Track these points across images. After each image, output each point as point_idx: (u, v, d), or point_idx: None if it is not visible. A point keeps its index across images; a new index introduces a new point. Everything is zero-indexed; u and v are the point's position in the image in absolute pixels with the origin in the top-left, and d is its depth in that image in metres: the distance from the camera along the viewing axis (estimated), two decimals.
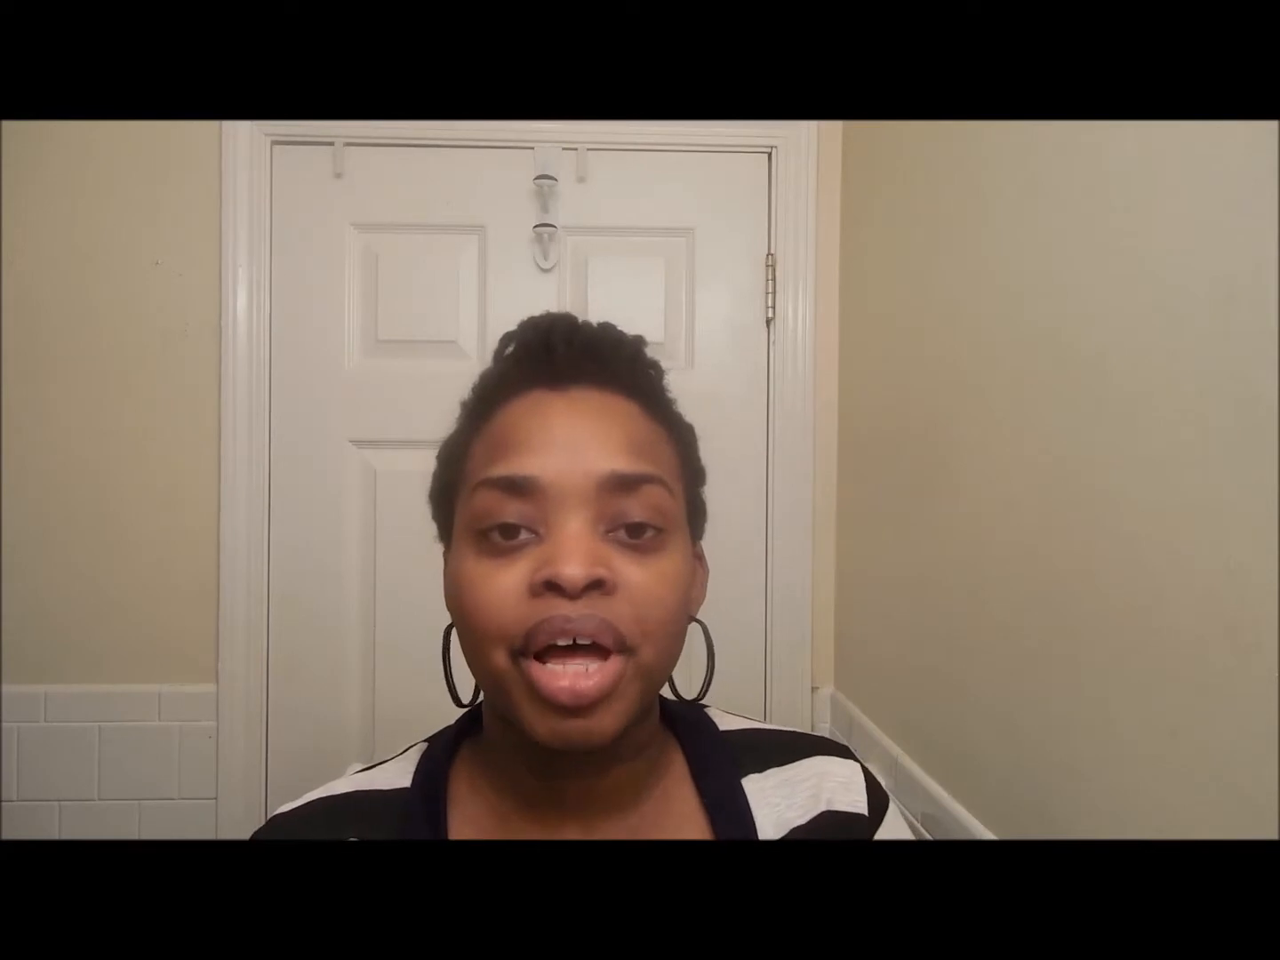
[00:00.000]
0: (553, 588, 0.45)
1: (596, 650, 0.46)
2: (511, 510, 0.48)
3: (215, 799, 1.37)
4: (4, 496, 1.35)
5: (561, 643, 0.45)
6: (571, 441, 0.49)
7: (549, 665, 0.45)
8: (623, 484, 0.48)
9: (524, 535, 0.48)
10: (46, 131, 1.35)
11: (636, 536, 0.48)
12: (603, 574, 0.46)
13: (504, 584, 0.47)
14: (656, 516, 0.49)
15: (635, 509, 0.48)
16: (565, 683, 0.45)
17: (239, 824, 1.36)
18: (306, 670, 1.41)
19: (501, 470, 0.48)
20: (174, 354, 1.38)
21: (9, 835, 1.33)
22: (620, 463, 0.48)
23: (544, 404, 0.51)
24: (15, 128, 1.33)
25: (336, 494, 1.41)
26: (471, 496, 0.50)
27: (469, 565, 0.49)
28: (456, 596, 0.49)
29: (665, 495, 0.50)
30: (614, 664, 0.46)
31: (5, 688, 1.34)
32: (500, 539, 0.48)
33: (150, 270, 1.38)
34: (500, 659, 0.47)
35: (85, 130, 1.36)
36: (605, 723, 0.46)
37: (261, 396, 1.39)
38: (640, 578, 0.47)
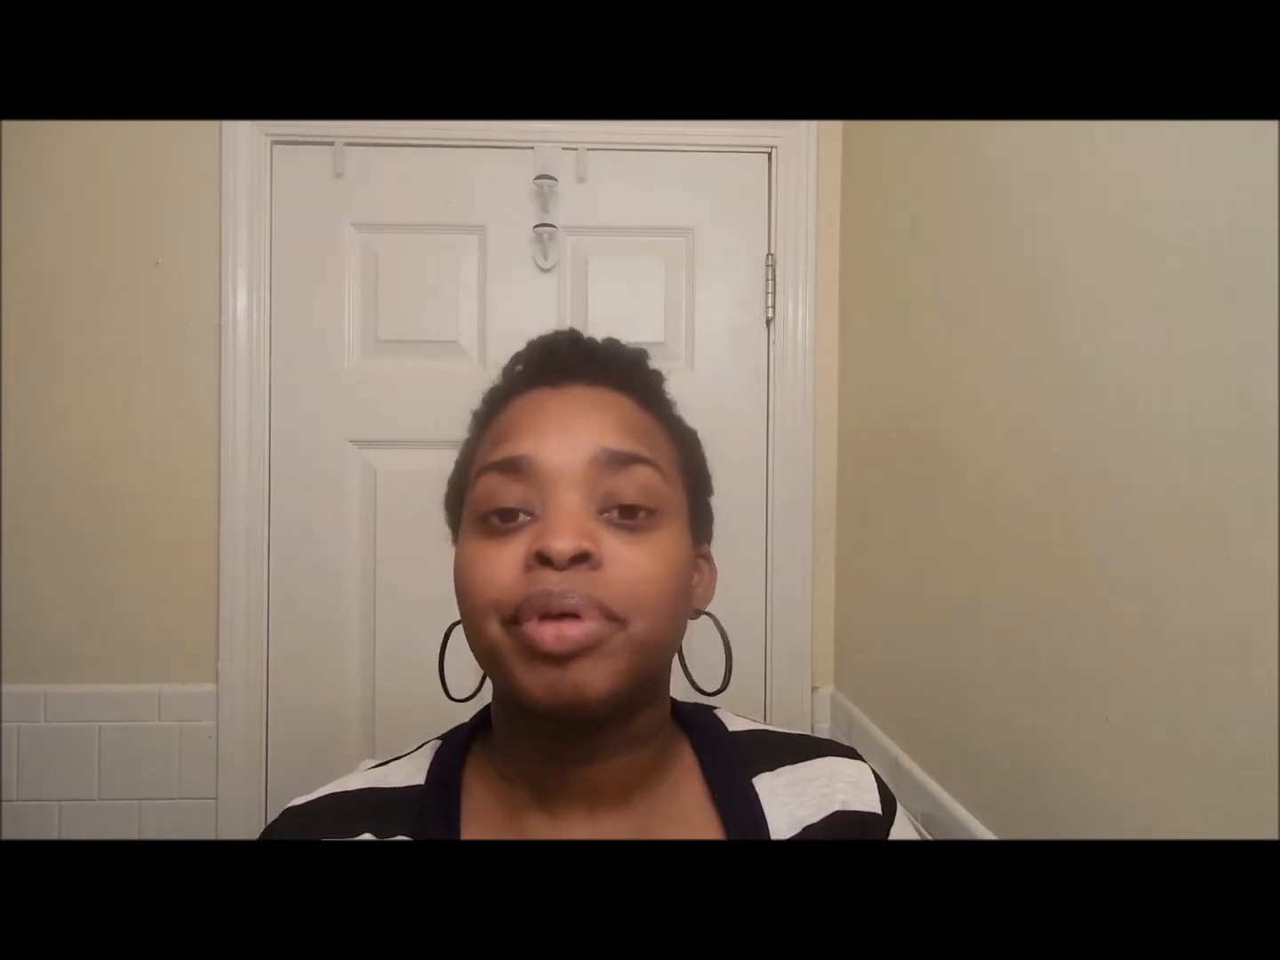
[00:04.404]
0: (542, 560, 0.47)
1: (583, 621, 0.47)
2: (510, 494, 0.50)
3: (215, 799, 1.37)
4: (4, 496, 1.35)
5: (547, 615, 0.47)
6: (564, 425, 0.51)
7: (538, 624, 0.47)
8: (612, 461, 0.50)
9: (522, 518, 0.50)
10: (46, 131, 1.35)
11: (629, 518, 0.50)
12: (588, 547, 0.47)
13: (501, 561, 0.49)
14: (648, 498, 0.50)
15: (626, 489, 0.50)
16: (552, 630, 0.46)
17: (239, 824, 1.36)
18: (306, 670, 1.41)
19: (499, 454, 0.51)
20: (174, 354, 1.38)
21: (9, 835, 1.33)
22: (610, 440, 0.51)
23: (542, 399, 0.54)
24: (15, 128, 1.33)
25: (336, 494, 1.41)
26: (474, 485, 0.52)
27: (471, 547, 0.51)
28: (458, 578, 0.51)
29: (657, 477, 0.51)
30: (603, 624, 0.47)
31: (5, 688, 1.34)
32: (499, 523, 0.50)
33: (150, 270, 1.38)
34: (493, 628, 0.48)
35: (85, 130, 1.36)
36: (594, 679, 0.47)
37: (261, 396, 1.39)
38: (630, 554, 0.49)
